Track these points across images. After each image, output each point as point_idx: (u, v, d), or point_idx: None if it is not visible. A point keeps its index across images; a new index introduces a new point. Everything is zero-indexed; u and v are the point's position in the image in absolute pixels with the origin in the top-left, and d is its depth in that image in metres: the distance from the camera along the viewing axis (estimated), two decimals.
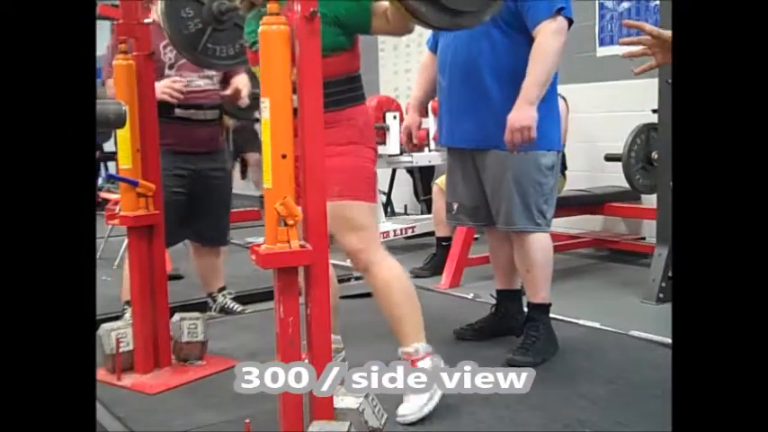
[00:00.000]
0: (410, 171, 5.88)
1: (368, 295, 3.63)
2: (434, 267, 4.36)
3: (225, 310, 3.48)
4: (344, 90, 2.23)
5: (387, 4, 2.09)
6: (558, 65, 2.51)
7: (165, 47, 3.08)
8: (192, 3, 2.39)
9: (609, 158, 4.56)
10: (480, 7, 1.91)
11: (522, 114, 2.42)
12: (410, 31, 2.18)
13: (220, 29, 2.39)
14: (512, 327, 2.83)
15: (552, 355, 2.65)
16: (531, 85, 2.44)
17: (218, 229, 3.40)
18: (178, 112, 3.09)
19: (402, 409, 2.17)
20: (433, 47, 2.81)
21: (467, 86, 2.60)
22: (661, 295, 3.61)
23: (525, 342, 2.65)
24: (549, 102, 2.60)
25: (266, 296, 3.47)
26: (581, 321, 3.13)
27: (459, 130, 2.71)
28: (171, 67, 3.11)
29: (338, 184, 2.19)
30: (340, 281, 3.96)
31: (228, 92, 3.16)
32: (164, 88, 2.96)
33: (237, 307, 3.50)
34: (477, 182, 2.73)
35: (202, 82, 3.15)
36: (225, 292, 3.52)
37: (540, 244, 2.65)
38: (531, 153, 2.57)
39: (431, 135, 5.06)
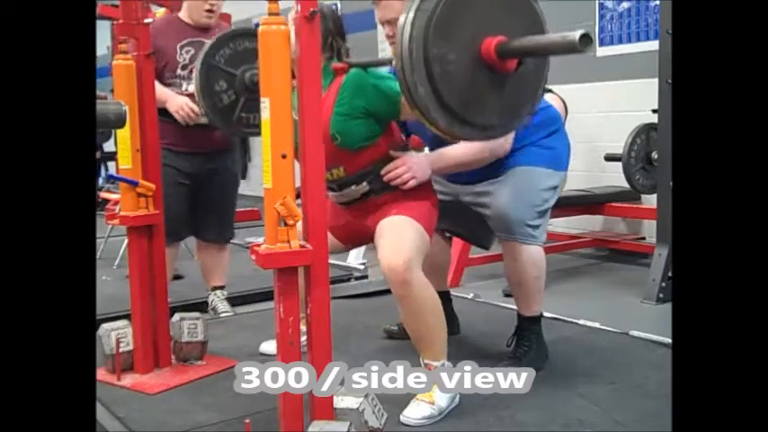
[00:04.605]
0: None
1: (368, 295, 3.66)
2: None
3: (213, 310, 3.44)
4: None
5: None
6: (482, 164, 2.45)
7: (181, 47, 3.12)
8: (225, 75, 2.45)
9: (609, 158, 4.56)
10: (508, 120, 1.92)
11: (422, 167, 2.36)
12: None
13: (252, 98, 2.43)
14: None
15: (543, 364, 2.58)
16: (448, 157, 2.40)
17: (215, 228, 3.39)
18: None
19: (408, 412, 2.17)
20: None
21: None
22: (661, 295, 3.61)
23: (517, 352, 2.59)
24: (560, 132, 2.62)
25: (266, 296, 3.48)
26: (581, 321, 3.13)
27: (460, 180, 2.64)
28: (184, 67, 3.14)
29: (398, 208, 2.29)
30: (340, 281, 3.98)
31: None
32: (184, 106, 3.01)
33: (224, 310, 3.43)
34: (455, 200, 2.65)
35: None
36: (219, 292, 3.47)
37: (532, 258, 2.54)
38: (540, 169, 2.51)
39: None
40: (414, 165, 2.34)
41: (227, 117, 2.48)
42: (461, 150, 2.39)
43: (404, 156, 2.36)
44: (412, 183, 2.33)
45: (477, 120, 1.81)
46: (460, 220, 2.73)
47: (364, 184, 2.32)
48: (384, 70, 2.33)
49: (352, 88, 2.22)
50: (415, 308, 2.22)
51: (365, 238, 2.43)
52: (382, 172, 2.32)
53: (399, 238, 2.22)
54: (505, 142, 2.41)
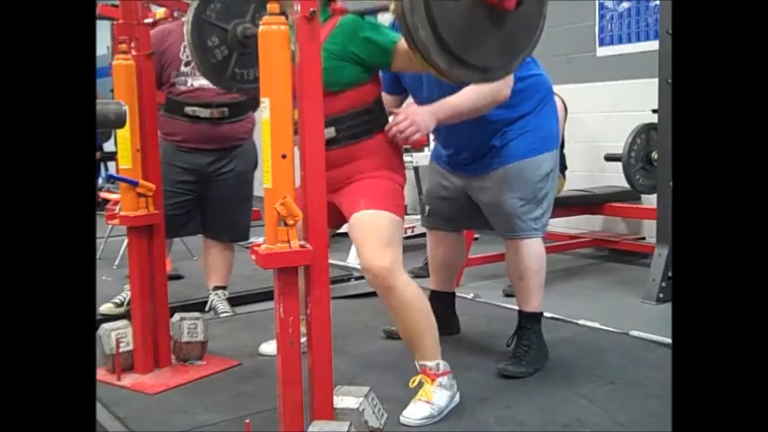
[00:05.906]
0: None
1: (368, 295, 3.66)
2: None
3: (213, 309, 3.44)
4: (367, 120, 2.26)
5: None
6: (484, 111, 2.40)
7: (185, 46, 3.13)
8: (217, 30, 2.44)
9: (609, 158, 4.56)
10: (507, 61, 1.92)
11: (426, 119, 2.29)
12: None
13: (245, 53, 2.42)
14: (442, 329, 2.40)
15: (543, 364, 2.59)
16: (450, 105, 2.34)
17: (218, 226, 3.39)
18: (187, 110, 3.17)
19: (408, 412, 2.17)
20: (391, 89, 2.62)
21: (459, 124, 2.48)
22: (661, 295, 3.61)
23: (517, 351, 2.58)
24: (548, 104, 2.61)
25: (266, 296, 3.47)
26: (581, 321, 3.13)
27: (458, 162, 2.66)
28: (187, 64, 3.16)
29: (365, 197, 2.21)
30: (340, 281, 3.98)
31: None
32: None
33: (223, 310, 3.42)
34: (462, 198, 2.69)
35: None
36: (220, 292, 3.47)
37: (533, 251, 2.57)
38: (532, 159, 2.53)
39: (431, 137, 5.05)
40: (416, 117, 2.27)
41: (220, 73, 2.46)
42: (462, 97, 2.34)
43: (405, 109, 2.30)
44: (416, 136, 2.27)
45: (477, 61, 1.80)
46: (470, 218, 2.74)
47: (332, 129, 2.17)
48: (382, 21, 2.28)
49: (347, 33, 2.19)
50: (399, 308, 2.21)
51: (341, 218, 2.34)
52: (386, 128, 2.25)
53: (377, 238, 2.18)
54: (505, 87, 2.36)
